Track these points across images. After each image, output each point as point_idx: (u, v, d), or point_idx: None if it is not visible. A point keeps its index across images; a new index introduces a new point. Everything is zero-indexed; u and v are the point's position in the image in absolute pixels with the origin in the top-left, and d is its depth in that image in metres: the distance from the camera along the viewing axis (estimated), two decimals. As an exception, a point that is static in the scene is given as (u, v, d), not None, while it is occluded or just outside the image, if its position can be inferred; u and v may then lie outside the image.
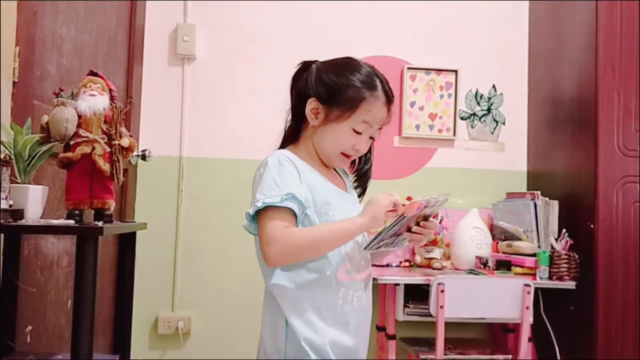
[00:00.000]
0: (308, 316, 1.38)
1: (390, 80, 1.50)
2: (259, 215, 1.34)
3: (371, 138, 1.49)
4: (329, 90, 1.44)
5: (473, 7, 3.26)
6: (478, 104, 3.26)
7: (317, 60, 1.52)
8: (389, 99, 1.46)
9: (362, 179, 1.59)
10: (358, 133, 1.44)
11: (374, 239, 1.40)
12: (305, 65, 1.52)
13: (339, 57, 1.52)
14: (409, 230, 1.42)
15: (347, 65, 1.48)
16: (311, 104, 1.45)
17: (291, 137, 1.54)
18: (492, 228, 2.99)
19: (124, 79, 2.79)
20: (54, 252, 2.11)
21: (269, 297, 1.45)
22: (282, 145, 1.53)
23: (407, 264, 2.97)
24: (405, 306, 2.63)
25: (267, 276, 1.45)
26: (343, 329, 1.41)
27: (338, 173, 1.59)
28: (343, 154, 1.47)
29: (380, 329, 2.87)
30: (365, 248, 1.44)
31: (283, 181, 1.36)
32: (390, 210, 1.38)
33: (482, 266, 2.78)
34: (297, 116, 1.52)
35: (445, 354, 2.51)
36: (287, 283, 1.40)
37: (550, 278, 2.63)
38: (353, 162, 1.56)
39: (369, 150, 1.55)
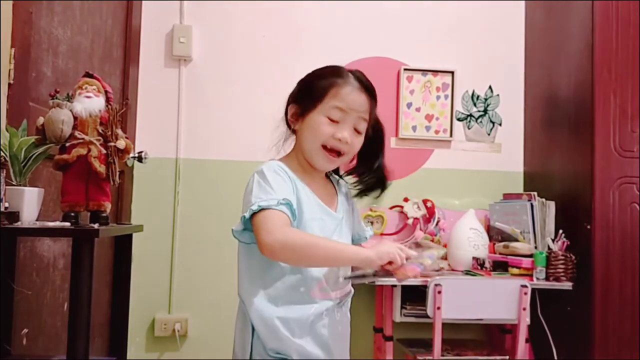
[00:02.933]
0: (276, 328, 1.38)
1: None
2: (254, 219, 1.33)
3: (358, 132, 1.46)
4: (300, 89, 1.50)
5: (469, 8, 3.26)
6: (475, 105, 3.26)
7: None
8: (363, 85, 1.45)
9: (369, 178, 1.55)
10: (334, 122, 1.42)
11: (359, 275, 1.41)
12: None
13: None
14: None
15: (322, 67, 1.52)
16: (290, 110, 1.49)
17: (282, 148, 1.56)
18: (489, 229, 2.99)
19: (120, 80, 2.78)
20: (50, 255, 2.11)
21: (241, 306, 1.50)
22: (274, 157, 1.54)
23: (404, 265, 2.96)
24: (402, 307, 2.63)
25: (242, 286, 1.49)
26: (313, 341, 1.41)
27: (335, 188, 1.57)
28: (324, 147, 1.44)
29: (378, 330, 2.87)
30: (345, 278, 1.44)
31: (279, 188, 1.37)
32: (387, 263, 1.35)
33: (479, 267, 2.78)
34: (288, 128, 1.54)
35: (442, 355, 2.51)
36: (260, 296, 1.41)
37: (547, 279, 2.63)
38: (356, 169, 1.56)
39: (378, 149, 1.54)
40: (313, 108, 1.44)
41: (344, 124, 1.43)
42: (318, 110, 1.43)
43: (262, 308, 1.40)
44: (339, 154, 1.45)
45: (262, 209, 1.31)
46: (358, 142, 1.47)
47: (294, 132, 1.51)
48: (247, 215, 1.33)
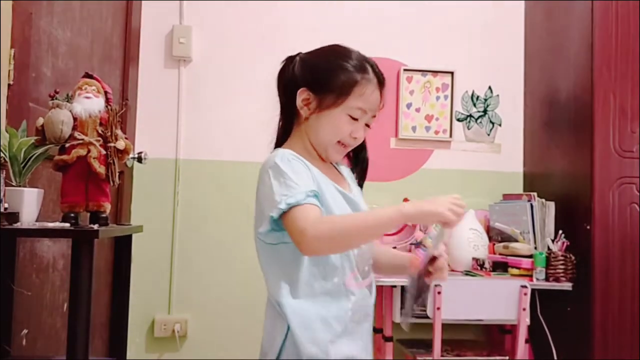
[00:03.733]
0: (316, 330, 1.32)
1: (386, 82, 1.47)
2: (285, 219, 1.26)
3: (367, 126, 1.42)
4: (320, 76, 1.39)
5: (469, 9, 3.26)
6: (474, 105, 3.26)
7: (299, 53, 1.48)
8: (381, 82, 1.41)
9: (360, 169, 1.53)
10: (354, 119, 1.37)
11: (409, 303, 1.37)
12: (290, 60, 1.46)
13: (324, 45, 1.48)
14: (428, 277, 1.37)
15: (335, 50, 1.45)
16: (302, 95, 1.39)
17: (282, 135, 1.47)
18: (488, 229, 2.99)
19: (120, 81, 2.78)
20: (50, 255, 2.11)
21: (273, 308, 1.42)
22: (276, 146, 1.47)
23: (404, 265, 2.96)
24: (402, 308, 2.63)
25: (274, 289, 1.41)
26: (352, 340, 1.36)
27: (337, 170, 1.51)
28: (340, 143, 1.40)
29: (378, 330, 2.86)
30: (404, 318, 1.42)
31: (300, 179, 1.29)
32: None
33: (479, 268, 2.78)
34: (287, 112, 1.46)
35: (442, 356, 2.51)
36: (296, 296, 1.34)
37: (546, 279, 2.63)
38: (348, 154, 1.50)
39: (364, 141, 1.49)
40: (335, 105, 1.36)
41: (361, 122, 1.39)
42: (341, 108, 1.36)
43: (300, 307, 1.33)
44: (349, 147, 1.44)
45: (291, 207, 1.24)
46: (365, 134, 1.45)
47: (296, 117, 1.43)
48: (275, 215, 1.25)
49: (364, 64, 1.40)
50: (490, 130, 3.27)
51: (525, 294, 2.44)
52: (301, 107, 1.39)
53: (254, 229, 1.38)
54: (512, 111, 3.28)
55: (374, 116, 1.42)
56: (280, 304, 1.35)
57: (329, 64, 1.40)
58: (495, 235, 2.94)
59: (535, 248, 2.75)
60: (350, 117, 1.37)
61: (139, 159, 2.11)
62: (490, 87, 3.27)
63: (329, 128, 1.38)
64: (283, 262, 1.35)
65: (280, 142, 1.47)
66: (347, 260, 1.35)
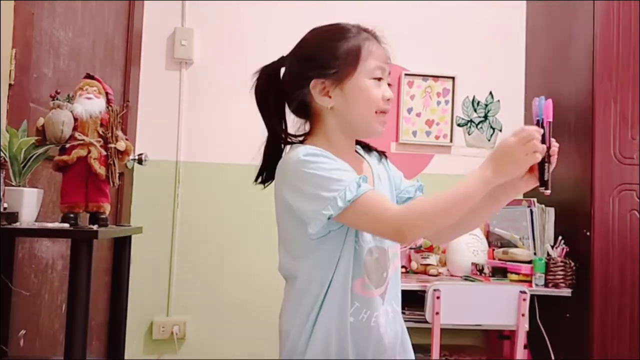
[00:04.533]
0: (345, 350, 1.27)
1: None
2: (347, 216, 1.18)
3: (390, 85, 1.34)
4: (324, 58, 1.29)
5: (470, 14, 3.26)
6: (475, 110, 3.26)
7: (280, 57, 1.39)
8: (376, 36, 1.36)
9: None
10: (379, 79, 1.29)
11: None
12: (268, 70, 1.37)
13: (303, 36, 1.40)
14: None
15: (320, 31, 1.39)
16: (316, 87, 1.28)
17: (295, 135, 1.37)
18: (488, 235, 2.99)
19: (121, 82, 2.79)
20: (49, 256, 2.10)
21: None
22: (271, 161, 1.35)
23: (403, 270, 2.96)
24: (401, 312, 2.62)
25: (290, 269, 1.32)
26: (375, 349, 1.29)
27: (364, 159, 1.42)
28: (378, 112, 1.30)
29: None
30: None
31: (340, 169, 1.22)
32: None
33: (478, 273, 2.78)
34: (301, 113, 1.36)
35: (440, 361, 2.51)
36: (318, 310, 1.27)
37: (546, 285, 2.63)
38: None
39: None
40: (351, 74, 1.27)
41: (384, 81, 1.31)
42: (359, 74, 1.27)
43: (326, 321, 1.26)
44: (386, 111, 1.32)
45: (351, 202, 1.16)
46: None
47: (313, 116, 1.34)
48: (334, 212, 1.17)
49: (352, 28, 1.36)
50: (491, 135, 3.27)
51: (525, 300, 2.44)
52: (322, 99, 1.29)
53: (278, 228, 1.33)
54: (513, 117, 3.28)
55: (389, 73, 1.34)
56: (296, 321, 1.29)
57: (325, 42, 1.34)
58: (494, 241, 2.94)
59: (535, 254, 2.75)
60: (375, 78, 1.29)
61: (140, 161, 2.10)
62: (491, 93, 3.28)
63: (362, 101, 1.28)
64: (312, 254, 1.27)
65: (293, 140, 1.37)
66: (357, 264, 1.28)
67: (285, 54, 1.38)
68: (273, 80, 1.36)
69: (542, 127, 1.25)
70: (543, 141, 1.23)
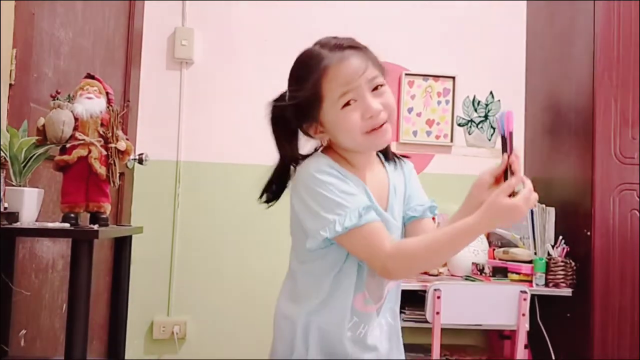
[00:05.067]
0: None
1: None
2: (344, 240, 1.21)
3: (375, 89, 1.25)
4: (299, 105, 1.27)
5: (471, 14, 3.26)
6: (475, 110, 3.26)
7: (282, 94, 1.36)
8: (343, 49, 1.25)
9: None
10: (350, 103, 1.23)
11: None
12: (278, 102, 1.35)
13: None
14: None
15: (292, 71, 1.33)
16: (308, 130, 1.31)
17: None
18: (488, 235, 2.98)
19: (122, 82, 2.79)
20: (49, 256, 2.10)
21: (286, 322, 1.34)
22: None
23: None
24: (401, 312, 2.60)
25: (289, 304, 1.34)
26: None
27: (382, 164, 1.41)
28: (368, 131, 1.25)
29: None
30: None
31: (347, 192, 1.22)
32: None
33: (479, 273, 2.78)
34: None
35: (441, 361, 2.51)
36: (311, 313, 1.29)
37: (546, 285, 2.63)
38: None
39: None
40: (321, 111, 1.25)
41: (362, 98, 1.23)
42: (327, 110, 1.24)
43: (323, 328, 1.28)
44: (382, 124, 1.26)
45: (349, 230, 1.19)
46: (387, 96, 1.27)
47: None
48: (329, 236, 1.19)
49: (314, 58, 1.26)
50: (491, 135, 3.27)
51: (525, 300, 2.44)
52: (317, 137, 1.31)
53: (292, 233, 1.34)
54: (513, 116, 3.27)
55: (377, 73, 1.27)
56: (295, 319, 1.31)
57: (293, 88, 1.29)
58: (495, 241, 2.94)
59: (535, 253, 2.75)
60: (346, 105, 1.23)
61: (140, 161, 2.10)
62: (491, 92, 3.27)
63: (342, 131, 1.26)
64: (312, 269, 1.31)
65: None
66: (359, 280, 1.30)
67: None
68: (279, 113, 1.34)
69: (508, 140, 1.26)
70: (504, 151, 1.25)
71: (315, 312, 1.29)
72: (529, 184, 1.20)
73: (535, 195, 1.19)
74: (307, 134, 1.32)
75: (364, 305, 1.31)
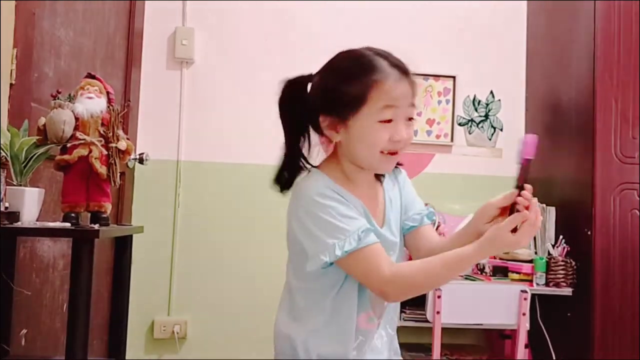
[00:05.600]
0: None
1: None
2: (343, 263, 1.22)
3: (409, 119, 1.28)
4: (331, 96, 1.26)
5: (471, 13, 3.26)
6: (476, 110, 3.26)
7: (309, 74, 1.34)
8: (402, 70, 1.28)
9: None
10: (387, 122, 1.24)
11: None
12: (295, 84, 1.34)
13: (332, 57, 1.34)
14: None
15: (338, 61, 1.31)
16: (324, 121, 1.28)
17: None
18: (489, 234, 2.98)
19: (122, 82, 2.79)
20: (50, 255, 2.11)
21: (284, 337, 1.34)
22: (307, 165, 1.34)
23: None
24: (402, 311, 2.62)
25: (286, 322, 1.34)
26: None
27: (378, 179, 1.41)
28: (383, 152, 1.26)
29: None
30: None
31: (347, 215, 1.23)
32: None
33: (479, 272, 2.78)
34: (319, 134, 1.33)
35: (441, 360, 2.51)
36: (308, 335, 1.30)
37: (547, 284, 2.63)
38: None
39: None
40: (356, 114, 1.23)
41: (398, 121, 1.25)
42: (364, 115, 1.23)
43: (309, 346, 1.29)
44: (398, 152, 1.29)
45: (348, 253, 1.20)
46: (412, 130, 1.30)
47: (329, 140, 1.32)
48: (329, 260, 1.20)
49: (373, 63, 1.27)
50: (492, 135, 3.27)
51: (525, 299, 2.44)
52: (329, 132, 1.28)
53: (287, 241, 1.33)
54: (513, 116, 3.28)
55: (413, 105, 1.28)
56: (291, 338, 1.31)
57: (336, 78, 1.27)
58: (495, 240, 2.94)
59: (536, 253, 2.75)
60: (382, 121, 1.24)
61: (141, 160, 2.11)
62: (492, 92, 3.27)
63: (365, 142, 1.25)
64: (311, 288, 1.31)
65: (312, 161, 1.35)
66: (362, 299, 1.30)
67: (314, 72, 1.34)
68: (298, 96, 1.33)
69: (522, 168, 1.26)
70: (516, 181, 1.26)
71: (316, 332, 1.29)
72: (534, 206, 1.22)
73: (540, 219, 1.22)
74: (316, 127, 1.30)
75: (367, 323, 1.32)
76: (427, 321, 2.45)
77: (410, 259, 1.43)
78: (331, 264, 1.22)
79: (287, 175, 1.33)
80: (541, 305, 2.75)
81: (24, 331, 1.94)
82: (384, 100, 1.23)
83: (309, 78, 1.33)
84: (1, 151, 1.65)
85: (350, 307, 1.28)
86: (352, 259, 1.21)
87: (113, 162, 1.72)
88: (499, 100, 3.28)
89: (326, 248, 1.21)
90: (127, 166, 2.27)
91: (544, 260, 2.64)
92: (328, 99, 1.27)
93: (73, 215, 1.69)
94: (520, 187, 1.24)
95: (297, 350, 1.29)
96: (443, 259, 1.21)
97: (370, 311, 1.32)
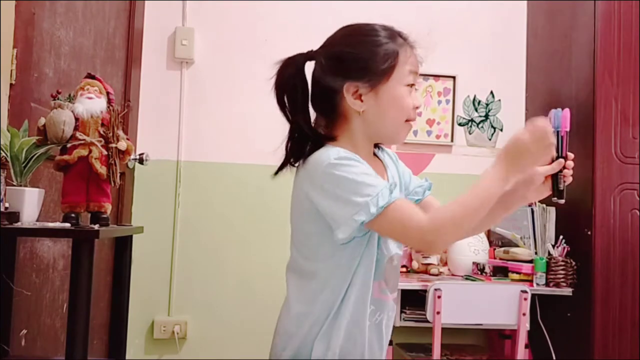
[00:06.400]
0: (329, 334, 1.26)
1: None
2: (378, 222, 1.17)
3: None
4: (361, 62, 1.27)
5: (471, 13, 3.26)
6: (476, 110, 3.26)
7: (310, 51, 1.35)
8: (409, 41, 1.33)
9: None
10: (411, 86, 1.29)
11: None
12: (293, 63, 1.34)
13: (336, 32, 1.39)
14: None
15: (356, 30, 1.37)
16: (350, 90, 1.26)
17: (322, 136, 1.31)
18: (489, 234, 2.99)
19: (122, 82, 2.79)
20: (50, 255, 2.11)
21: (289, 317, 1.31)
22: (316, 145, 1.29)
23: (404, 269, 2.96)
24: (402, 312, 2.62)
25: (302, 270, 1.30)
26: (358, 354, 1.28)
27: (381, 161, 1.41)
28: (407, 120, 1.29)
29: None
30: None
31: (370, 173, 1.20)
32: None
33: (479, 272, 2.78)
34: (327, 112, 1.32)
35: (441, 360, 2.51)
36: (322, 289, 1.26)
37: (547, 284, 2.63)
38: None
39: None
40: (386, 80, 1.26)
41: (416, 90, 1.31)
42: (393, 80, 1.26)
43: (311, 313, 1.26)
44: (414, 119, 1.33)
45: (384, 209, 1.15)
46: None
47: (341, 118, 1.30)
48: (366, 219, 1.15)
49: (388, 31, 1.33)
50: (492, 135, 3.27)
51: (526, 299, 2.44)
52: (354, 102, 1.27)
53: (293, 229, 1.31)
54: (513, 116, 3.28)
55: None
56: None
57: (362, 44, 1.30)
58: (495, 240, 2.94)
59: (536, 253, 2.75)
60: (408, 85, 1.28)
61: (141, 160, 2.11)
62: (492, 92, 3.27)
63: (395, 108, 1.27)
64: (335, 260, 1.26)
65: (319, 141, 1.30)
66: (378, 269, 1.28)
67: (315, 49, 1.35)
68: (301, 74, 1.32)
69: (559, 138, 1.28)
70: (560, 151, 1.28)
71: (338, 309, 1.25)
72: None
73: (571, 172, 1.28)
74: (333, 96, 1.28)
75: (380, 293, 1.30)
76: (427, 321, 2.45)
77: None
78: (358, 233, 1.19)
79: (296, 148, 1.30)
80: (541, 306, 2.75)
81: (24, 331, 1.95)
82: (409, 65, 1.29)
83: (309, 56, 1.33)
84: (1, 151, 1.65)
85: (367, 278, 1.26)
86: (387, 215, 1.15)
87: (113, 162, 1.72)
88: (499, 100, 3.28)
89: (360, 208, 1.15)
90: (127, 166, 2.28)
91: (544, 261, 2.64)
92: (356, 65, 1.27)
93: (73, 215, 1.69)
94: (564, 157, 1.28)
95: (314, 329, 1.25)
96: (471, 192, 1.19)
97: (382, 281, 1.29)
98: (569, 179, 1.29)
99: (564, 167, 1.28)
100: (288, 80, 1.33)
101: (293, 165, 1.32)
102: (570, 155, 1.29)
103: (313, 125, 1.33)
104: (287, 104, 1.32)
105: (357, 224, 1.16)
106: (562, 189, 1.29)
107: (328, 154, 1.22)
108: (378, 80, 1.26)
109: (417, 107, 1.30)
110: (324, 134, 1.31)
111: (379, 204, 1.15)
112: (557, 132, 1.27)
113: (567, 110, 1.27)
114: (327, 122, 1.33)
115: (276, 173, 1.33)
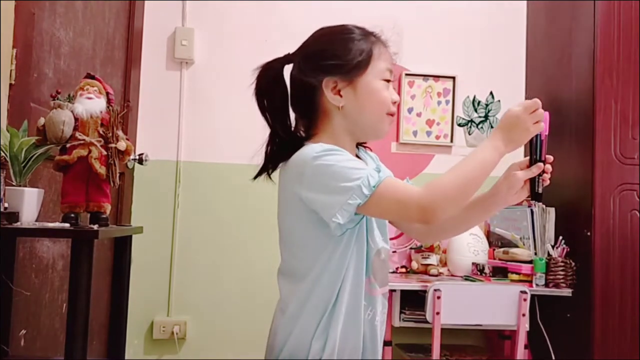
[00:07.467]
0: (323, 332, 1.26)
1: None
2: (373, 202, 1.17)
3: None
4: (338, 57, 1.30)
5: (471, 14, 3.26)
6: (475, 110, 3.26)
7: (287, 55, 1.37)
8: (380, 39, 1.39)
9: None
10: (388, 81, 1.32)
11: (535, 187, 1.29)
12: (270, 68, 1.35)
13: (311, 35, 1.41)
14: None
15: (331, 30, 1.40)
16: (328, 85, 1.29)
17: (296, 136, 1.34)
18: (488, 235, 2.98)
19: (122, 82, 2.79)
20: (49, 256, 2.10)
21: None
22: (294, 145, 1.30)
23: (403, 270, 2.96)
24: (401, 312, 2.62)
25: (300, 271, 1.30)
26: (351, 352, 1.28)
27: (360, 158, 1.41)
28: (387, 113, 1.33)
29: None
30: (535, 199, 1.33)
31: (355, 159, 1.25)
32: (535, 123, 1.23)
33: (479, 273, 2.78)
34: (307, 112, 1.33)
35: (441, 361, 2.51)
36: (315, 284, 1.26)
37: (546, 285, 2.63)
38: None
39: None
40: (363, 74, 1.29)
41: (392, 84, 1.34)
42: (370, 74, 1.30)
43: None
44: (394, 113, 1.36)
45: (376, 188, 1.16)
46: None
47: (320, 116, 1.32)
48: (362, 200, 1.16)
49: (361, 30, 1.39)
50: (492, 135, 3.26)
51: (525, 300, 2.44)
52: (333, 98, 1.29)
53: (283, 231, 1.33)
54: (513, 117, 3.27)
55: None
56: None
57: (337, 41, 1.35)
58: (495, 241, 2.94)
59: (535, 254, 2.75)
60: (384, 80, 1.31)
61: (140, 161, 2.10)
62: (491, 93, 3.27)
63: (373, 101, 1.30)
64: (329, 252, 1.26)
65: (296, 141, 1.32)
66: (367, 264, 1.29)
67: (290, 52, 1.38)
68: (278, 79, 1.34)
69: (539, 141, 1.30)
70: (538, 155, 1.30)
71: (333, 307, 1.26)
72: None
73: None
74: (312, 95, 1.30)
75: (370, 288, 1.30)
76: (426, 322, 2.46)
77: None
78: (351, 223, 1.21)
79: (271, 166, 1.34)
80: (541, 306, 2.75)
81: (23, 331, 1.94)
82: (384, 61, 1.33)
83: (286, 59, 1.36)
84: (0, 151, 1.65)
85: (359, 273, 1.27)
86: (381, 193, 1.17)
87: (112, 162, 1.71)
88: (499, 100, 3.28)
89: (352, 191, 1.16)
90: (127, 166, 2.27)
91: (543, 261, 2.64)
92: (333, 60, 1.30)
93: (72, 215, 1.69)
94: (544, 161, 1.30)
95: (312, 329, 1.26)
96: (465, 161, 1.23)
97: (370, 276, 1.30)
98: (547, 182, 1.30)
99: (543, 171, 1.29)
100: (267, 85, 1.34)
101: (273, 170, 1.34)
102: (550, 158, 1.31)
103: (293, 129, 1.35)
104: (267, 109, 1.34)
105: (352, 207, 1.17)
106: (540, 192, 1.30)
107: (311, 148, 1.24)
108: (355, 74, 1.29)
109: (395, 102, 1.33)
110: (304, 136, 1.34)
111: (371, 184, 1.17)
112: (537, 135, 1.27)
113: (546, 114, 1.26)
114: (309, 122, 1.35)
115: (255, 177, 1.36)
